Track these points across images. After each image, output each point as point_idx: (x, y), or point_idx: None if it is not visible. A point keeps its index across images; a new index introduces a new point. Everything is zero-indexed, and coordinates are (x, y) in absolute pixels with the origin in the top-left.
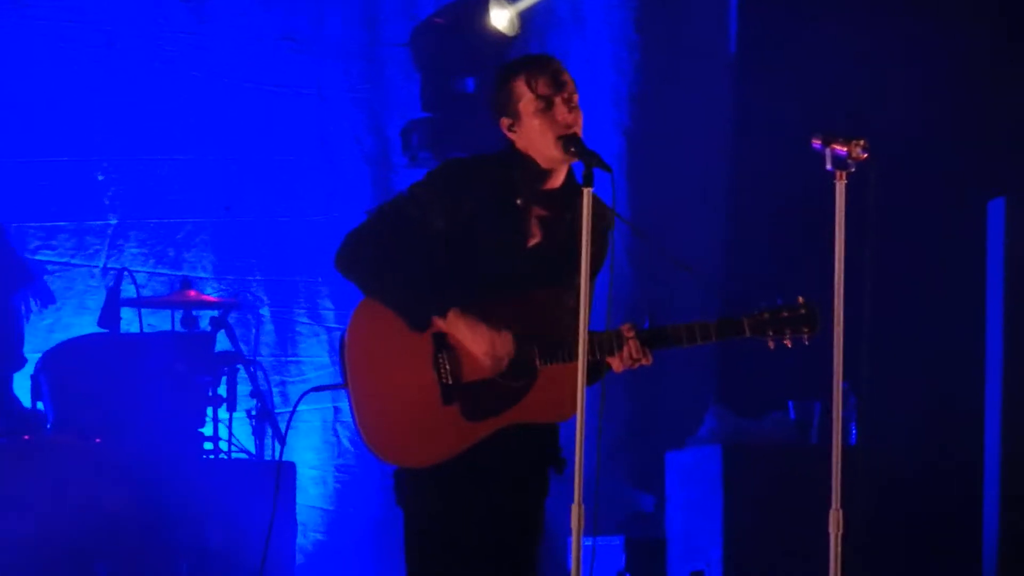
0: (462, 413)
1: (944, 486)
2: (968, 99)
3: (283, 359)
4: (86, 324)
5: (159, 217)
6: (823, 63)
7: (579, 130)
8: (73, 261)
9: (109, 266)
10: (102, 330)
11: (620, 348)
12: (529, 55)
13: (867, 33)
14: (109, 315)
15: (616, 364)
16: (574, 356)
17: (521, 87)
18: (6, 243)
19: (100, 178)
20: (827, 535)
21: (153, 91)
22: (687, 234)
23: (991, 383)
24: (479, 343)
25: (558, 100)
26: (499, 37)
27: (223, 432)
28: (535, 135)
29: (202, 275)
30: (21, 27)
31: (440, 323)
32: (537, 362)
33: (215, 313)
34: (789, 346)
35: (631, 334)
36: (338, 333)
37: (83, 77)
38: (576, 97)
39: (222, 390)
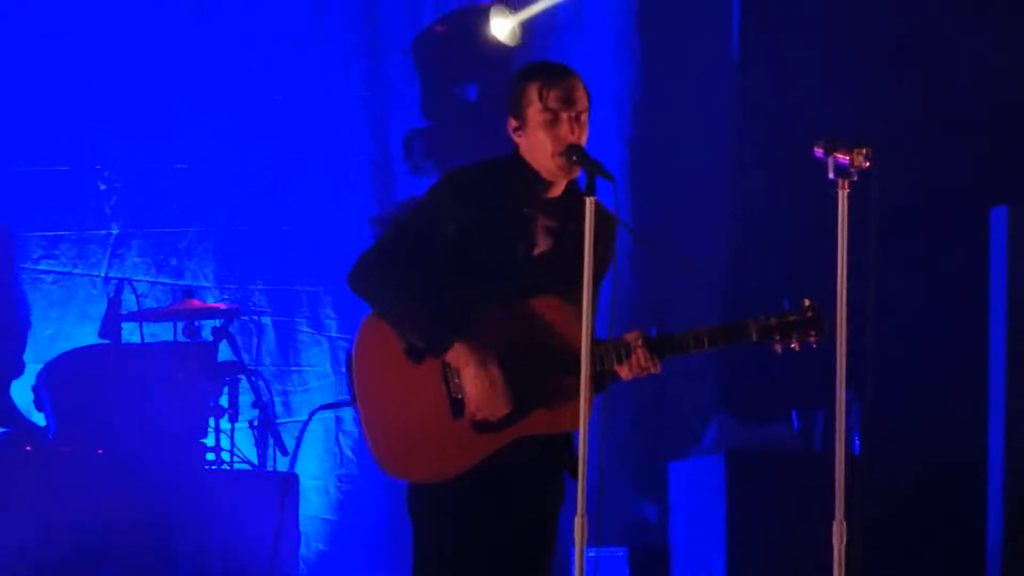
0: (472, 427)
1: (948, 495)
2: (971, 105)
3: (285, 368)
4: (88, 334)
5: (161, 226)
6: (826, 66)
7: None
8: (75, 271)
9: (111, 275)
10: (103, 340)
11: (628, 357)
12: (550, 63)
13: (870, 37)
14: (110, 325)
15: (624, 372)
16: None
17: (532, 93)
18: (9, 252)
19: (102, 187)
20: (831, 545)
21: (154, 99)
22: (691, 241)
23: (994, 391)
24: (478, 391)
25: (565, 116)
26: (501, 46)
27: (225, 442)
28: (536, 145)
29: (204, 284)
30: (20, 35)
31: (447, 358)
32: (545, 374)
33: (217, 322)
34: (797, 349)
35: (639, 343)
36: (341, 342)
37: (83, 85)
38: (585, 116)
39: (224, 400)
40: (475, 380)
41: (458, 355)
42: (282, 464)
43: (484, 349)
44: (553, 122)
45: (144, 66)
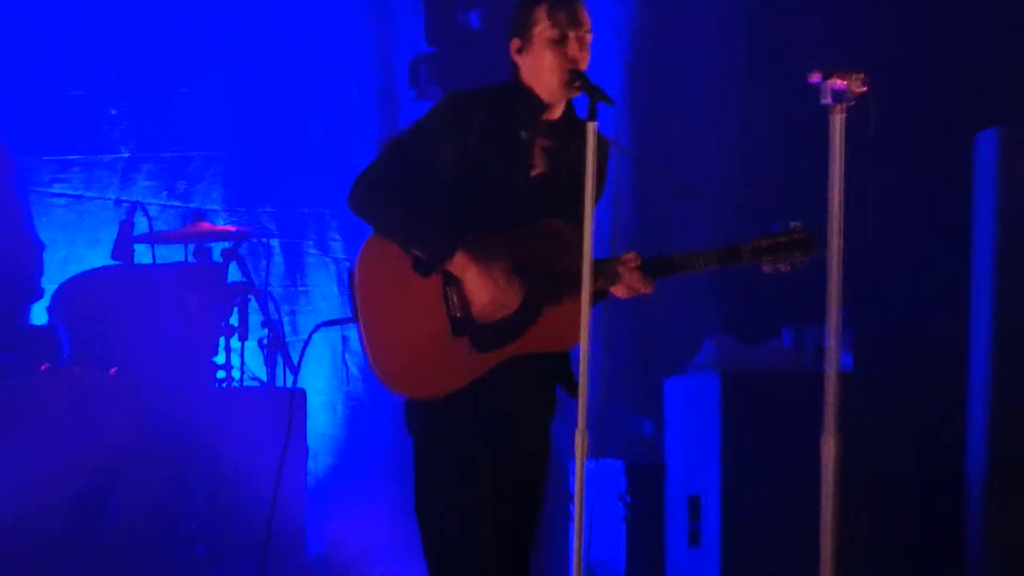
0: (471, 344)
1: (933, 411)
2: (958, 31)
3: (293, 289)
4: (99, 257)
5: (171, 150)
6: None
7: (584, 68)
8: (86, 194)
9: (121, 199)
10: (115, 262)
11: (622, 277)
12: None
13: None
14: (122, 248)
15: (618, 291)
16: (578, 286)
17: (540, 13)
18: (14, 176)
19: (112, 111)
20: (821, 461)
21: (164, 24)
22: (691, 166)
23: (979, 312)
24: (484, 293)
25: (572, 36)
26: None
27: (235, 361)
28: (542, 65)
29: (213, 207)
30: None
31: (450, 266)
32: (543, 293)
33: (226, 245)
34: (786, 271)
35: (633, 264)
36: (346, 263)
37: (94, 9)
38: (589, 38)
39: (234, 320)
40: (480, 281)
41: (460, 262)
42: (290, 381)
43: (487, 255)
44: (561, 41)
45: None
